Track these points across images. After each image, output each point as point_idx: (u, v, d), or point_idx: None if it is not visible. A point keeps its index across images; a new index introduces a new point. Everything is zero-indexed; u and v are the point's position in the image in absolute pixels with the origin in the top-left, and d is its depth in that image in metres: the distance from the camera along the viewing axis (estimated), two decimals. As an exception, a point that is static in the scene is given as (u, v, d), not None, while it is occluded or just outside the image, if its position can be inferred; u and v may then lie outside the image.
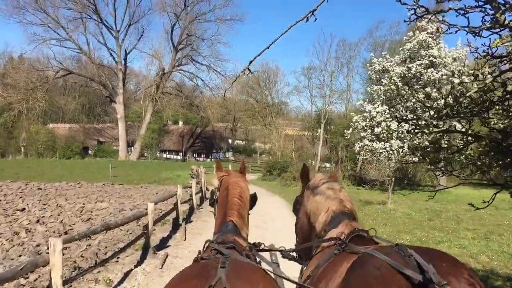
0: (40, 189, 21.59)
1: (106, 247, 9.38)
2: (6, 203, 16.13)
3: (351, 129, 25.15)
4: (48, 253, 5.26)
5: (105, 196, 18.92)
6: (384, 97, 23.93)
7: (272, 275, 2.30)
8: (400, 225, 13.53)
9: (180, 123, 75.15)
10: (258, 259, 2.62)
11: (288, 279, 2.44)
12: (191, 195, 15.46)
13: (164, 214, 11.83)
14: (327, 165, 43.33)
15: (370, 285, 1.92)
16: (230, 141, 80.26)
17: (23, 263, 4.90)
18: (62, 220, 12.52)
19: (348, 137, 26.07)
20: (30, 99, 52.38)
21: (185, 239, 10.60)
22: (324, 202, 3.01)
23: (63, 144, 52.90)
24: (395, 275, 1.89)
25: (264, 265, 2.52)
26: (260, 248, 2.94)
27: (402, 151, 21.30)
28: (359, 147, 24.14)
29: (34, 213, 13.87)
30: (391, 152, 21.39)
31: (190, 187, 15.82)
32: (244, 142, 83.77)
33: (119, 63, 59.23)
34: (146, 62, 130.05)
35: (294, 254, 3.27)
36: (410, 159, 21.20)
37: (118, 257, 8.52)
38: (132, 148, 61.72)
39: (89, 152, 62.09)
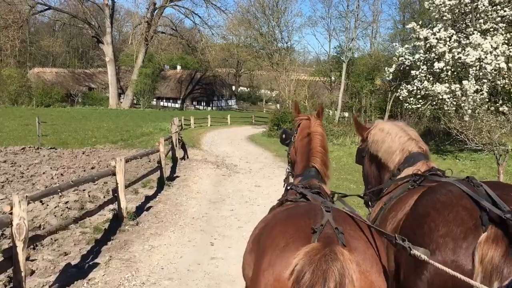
0: None
1: None
2: None
3: (393, 65, 17.88)
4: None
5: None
6: (450, 17, 16.39)
7: None
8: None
9: (179, 67, 67.78)
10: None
11: (369, 225, 2.17)
12: (115, 192, 7.54)
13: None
14: (346, 114, 36.10)
15: (436, 209, 2.02)
16: (233, 88, 72.95)
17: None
18: None
19: (390, 77, 18.90)
20: (0, 38, 45.51)
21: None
22: (397, 142, 3.01)
23: (40, 91, 45.74)
24: (461, 199, 1.97)
25: None
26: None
27: (480, 97, 14.16)
28: (408, 92, 16.88)
29: None
30: (463, 97, 14.21)
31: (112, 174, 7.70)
32: (248, 89, 76.18)
33: (106, -3, 51.50)
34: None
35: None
36: (492, 107, 14.20)
37: None
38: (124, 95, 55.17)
39: (77, 99, 54.76)
